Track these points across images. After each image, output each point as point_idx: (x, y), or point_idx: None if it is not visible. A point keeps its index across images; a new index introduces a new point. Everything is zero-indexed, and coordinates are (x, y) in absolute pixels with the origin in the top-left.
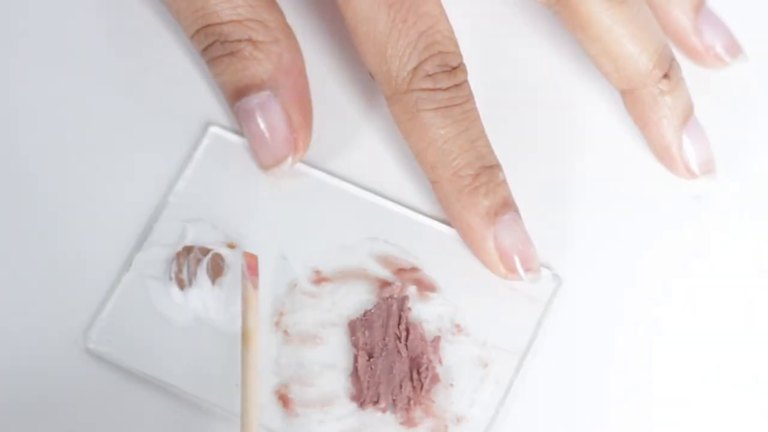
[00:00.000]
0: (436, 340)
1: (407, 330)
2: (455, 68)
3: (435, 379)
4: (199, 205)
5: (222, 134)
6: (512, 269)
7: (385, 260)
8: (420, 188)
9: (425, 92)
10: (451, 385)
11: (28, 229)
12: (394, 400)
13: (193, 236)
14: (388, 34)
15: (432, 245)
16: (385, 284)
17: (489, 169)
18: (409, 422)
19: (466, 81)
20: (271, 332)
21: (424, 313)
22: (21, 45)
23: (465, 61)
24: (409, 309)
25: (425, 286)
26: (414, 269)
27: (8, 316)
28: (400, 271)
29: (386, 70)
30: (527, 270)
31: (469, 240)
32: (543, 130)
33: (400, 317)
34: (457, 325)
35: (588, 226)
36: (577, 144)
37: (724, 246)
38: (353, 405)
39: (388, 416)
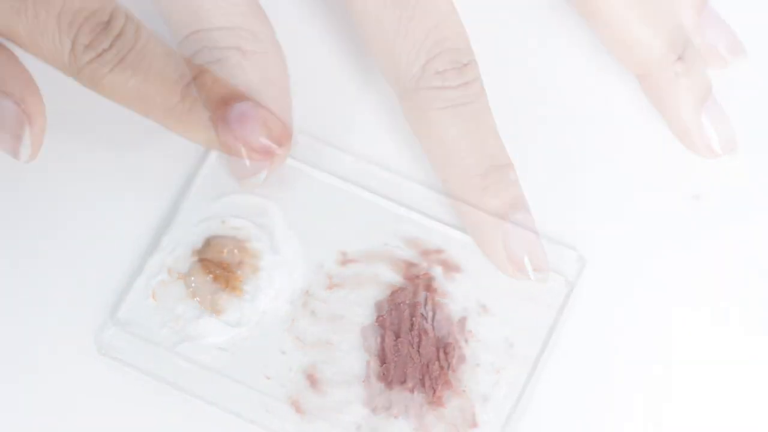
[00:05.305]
0: (462, 320)
1: (433, 310)
2: (466, 65)
3: (461, 359)
4: (212, 208)
5: None
6: (521, 269)
7: (411, 241)
8: None
9: (434, 91)
10: (478, 365)
11: (42, 233)
12: (421, 380)
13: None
14: (395, 32)
15: (457, 227)
16: (410, 265)
17: (498, 169)
18: (436, 402)
19: (477, 78)
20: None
21: (450, 293)
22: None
23: (478, 55)
24: (435, 289)
25: (451, 267)
26: (439, 250)
27: (22, 319)
28: (425, 252)
29: (394, 69)
30: (536, 270)
31: (478, 239)
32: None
33: (426, 299)
34: (483, 306)
35: (589, 227)
36: (573, 148)
37: (724, 246)
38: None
39: (416, 396)
